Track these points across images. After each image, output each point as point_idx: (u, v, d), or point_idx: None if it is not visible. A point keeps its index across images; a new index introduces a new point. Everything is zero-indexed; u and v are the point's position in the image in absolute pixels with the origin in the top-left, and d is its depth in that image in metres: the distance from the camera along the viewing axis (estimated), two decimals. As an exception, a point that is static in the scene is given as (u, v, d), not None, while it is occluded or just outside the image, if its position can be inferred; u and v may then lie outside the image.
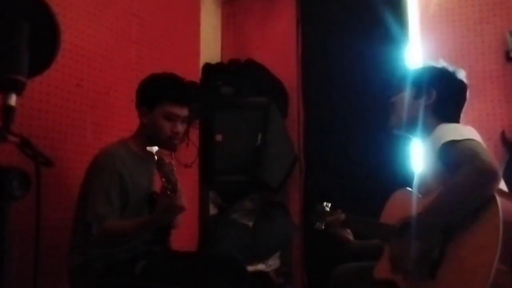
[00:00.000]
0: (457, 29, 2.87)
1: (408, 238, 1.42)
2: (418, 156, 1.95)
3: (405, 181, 2.65)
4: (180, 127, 1.89)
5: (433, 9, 2.94)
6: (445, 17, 2.91)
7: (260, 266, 2.96)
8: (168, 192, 1.53)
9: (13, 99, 1.03)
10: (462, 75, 1.70)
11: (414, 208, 1.47)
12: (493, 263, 1.16)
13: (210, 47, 3.39)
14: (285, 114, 3.27)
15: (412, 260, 1.40)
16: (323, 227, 1.83)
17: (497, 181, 1.28)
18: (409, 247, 1.41)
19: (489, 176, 1.28)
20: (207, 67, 3.28)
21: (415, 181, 1.71)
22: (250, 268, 2.75)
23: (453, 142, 1.40)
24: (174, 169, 1.55)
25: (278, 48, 3.41)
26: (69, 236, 1.82)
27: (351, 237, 1.79)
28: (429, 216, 1.39)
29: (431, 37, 2.92)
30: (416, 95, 1.68)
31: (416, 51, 2.94)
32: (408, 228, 1.44)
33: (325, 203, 1.87)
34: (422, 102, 1.66)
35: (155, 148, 1.53)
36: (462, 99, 1.70)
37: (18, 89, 1.04)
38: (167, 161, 1.54)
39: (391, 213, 1.65)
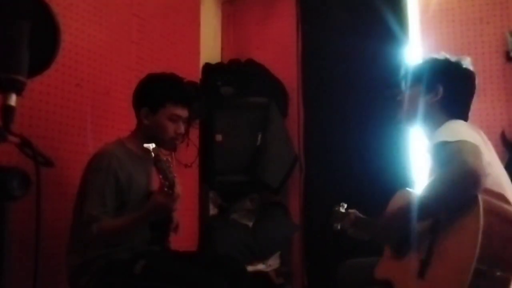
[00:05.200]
0: (457, 29, 2.87)
1: (392, 220, 1.49)
2: (420, 155, 1.95)
3: (406, 181, 2.68)
4: (183, 128, 1.90)
5: (433, 9, 2.94)
6: (445, 17, 2.91)
7: (260, 266, 2.97)
8: (165, 189, 1.54)
9: (13, 99, 1.03)
10: (467, 62, 1.66)
11: (415, 208, 1.47)
12: (471, 264, 1.15)
13: (210, 47, 3.39)
14: (285, 114, 3.27)
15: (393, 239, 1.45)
16: (339, 227, 1.84)
17: (475, 184, 1.26)
18: (391, 226, 1.48)
19: (468, 179, 1.26)
20: (207, 67, 3.28)
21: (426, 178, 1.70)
22: (250, 268, 2.76)
23: (443, 143, 1.39)
24: (171, 166, 1.55)
25: (278, 48, 3.41)
26: (69, 237, 1.82)
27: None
28: (412, 209, 1.40)
29: (431, 37, 2.92)
30: (422, 92, 1.65)
31: (416, 51, 2.94)
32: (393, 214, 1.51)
33: (341, 204, 1.88)
34: (428, 98, 1.64)
35: (152, 145, 1.54)
36: (471, 89, 1.66)
37: (18, 89, 1.04)
38: (164, 158, 1.55)
39: None
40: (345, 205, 1.87)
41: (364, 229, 1.76)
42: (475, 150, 1.33)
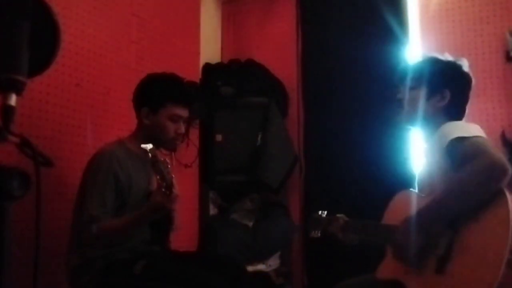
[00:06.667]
0: (457, 29, 2.87)
1: (411, 229, 1.41)
2: (420, 155, 1.94)
3: (406, 181, 2.68)
4: (183, 128, 1.90)
5: (433, 9, 2.94)
6: (445, 17, 2.91)
7: (260, 266, 2.97)
8: (163, 190, 1.54)
9: (13, 99, 1.02)
10: (465, 65, 1.67)
11: (416, 208, 1.46)
12: (504, 254, 1.16)
13: (210, 47, 3.40)
14: (285, 114, 3.27)
15: (415, 251, 1.39)
16: (319, 234, 1.83)
17: (506, 176, 1.27)
18: (412, 237, 1.40)
19: (498, 171, 1.27)
20: (207, 67, 3.28)
21: (418, 179, 1.70)
22: (250, 268, 2.76)
23: (461, 139, 1.40)
24: (169, 166, 1.55)
25: (278, 48, 3.41)
26: (69, 237, 1.82)
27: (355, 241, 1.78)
28: (434, 210, 1.38)
29: (431, 37, 2.92)
30: (427, 95, 1.63)
31: (416, 50, 2.94)
32: (411, 221, 1.43)
33: (320, 212, 1.87)
34: (434, 102, 1.63)
35: (149, 146, 1.54)
36: (469, 92, 1.68)
37: (18, 89, 1.03)
38: (162, 159, 1.55)
39: (393, 214, 1.63)
40: (325, 212, 1.86)
41: (355, 232, 1.75)
42: (492, 144, 1.36)
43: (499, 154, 1.30)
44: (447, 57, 1.69)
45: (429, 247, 1.38)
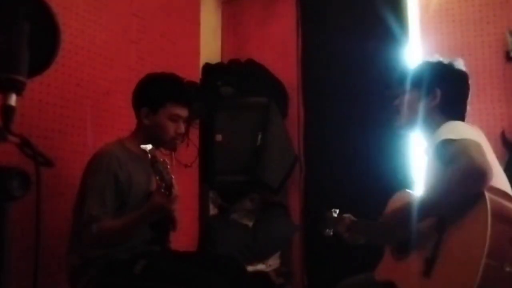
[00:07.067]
0: (457, 29, 2.87)
1: (393, 223, 1.49)
2: (419, 156, 1.95)
3: (405, 181, 2.68)
4: (183, 128, 1.90)
5: (433, 9, 2.94)
6: (445, 17, 2.91)
7: (260, 266, 2.97)
8: (162, 190, 1.54)
9: (13, 99, 1.03)
10: (460, 64, 1.68)
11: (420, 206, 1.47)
12: (481, 259, 1.15)
13: (210, 47, 3.40)
14: (285, 114, 3.27)
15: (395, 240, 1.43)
16: (332, 233, 1.84)
17: (483, 180, 1.27)
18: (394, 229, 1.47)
19: (475, 175, 1.27)
20: (207, 67, 3.28)
21: (423, 179, 1.70)
22: (250, 268, 2.76)
23: (448, 141, 1.40)
24: (169, 167, 1.56)
25: (278, 48, 3.41)
26: (69, 237, 1.82)
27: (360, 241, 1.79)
28: (416, 209, 1.40)
29: (431, 37, 2.92)
30: (421, 97, 1.65)
31: (416, 51, 2.94)
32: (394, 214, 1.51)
33: (333, 210, 1.88)
34: (427, 102, 1.64)
35: (149, 146, 1.54)
36: (466, 89, 1.68)
37: (18, 89, 1.04)
38: (161, 159, 1.55)
39: None
40: (337, 210, 1.87)
41: (360, 232, 1.76)
42: (479, 148, 1.34)
43: (482, 158, 1.29)
44: (438, 58, 1.71)
45: (417, 249, 1.39)
